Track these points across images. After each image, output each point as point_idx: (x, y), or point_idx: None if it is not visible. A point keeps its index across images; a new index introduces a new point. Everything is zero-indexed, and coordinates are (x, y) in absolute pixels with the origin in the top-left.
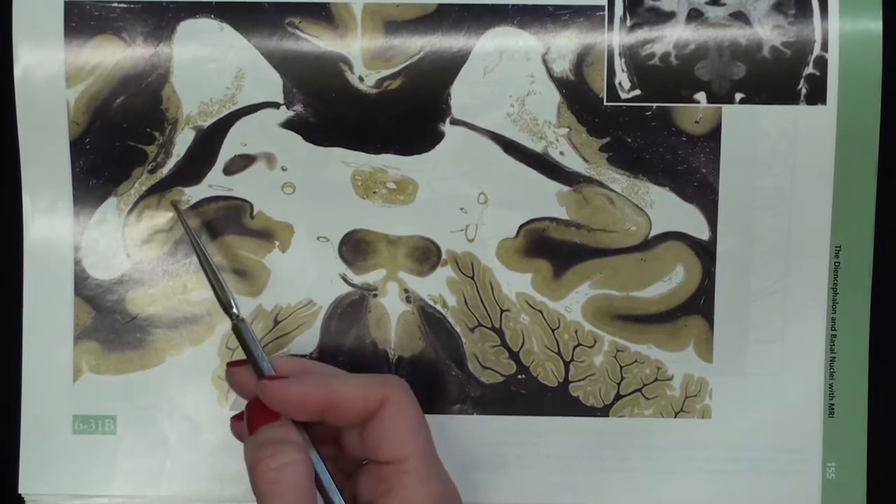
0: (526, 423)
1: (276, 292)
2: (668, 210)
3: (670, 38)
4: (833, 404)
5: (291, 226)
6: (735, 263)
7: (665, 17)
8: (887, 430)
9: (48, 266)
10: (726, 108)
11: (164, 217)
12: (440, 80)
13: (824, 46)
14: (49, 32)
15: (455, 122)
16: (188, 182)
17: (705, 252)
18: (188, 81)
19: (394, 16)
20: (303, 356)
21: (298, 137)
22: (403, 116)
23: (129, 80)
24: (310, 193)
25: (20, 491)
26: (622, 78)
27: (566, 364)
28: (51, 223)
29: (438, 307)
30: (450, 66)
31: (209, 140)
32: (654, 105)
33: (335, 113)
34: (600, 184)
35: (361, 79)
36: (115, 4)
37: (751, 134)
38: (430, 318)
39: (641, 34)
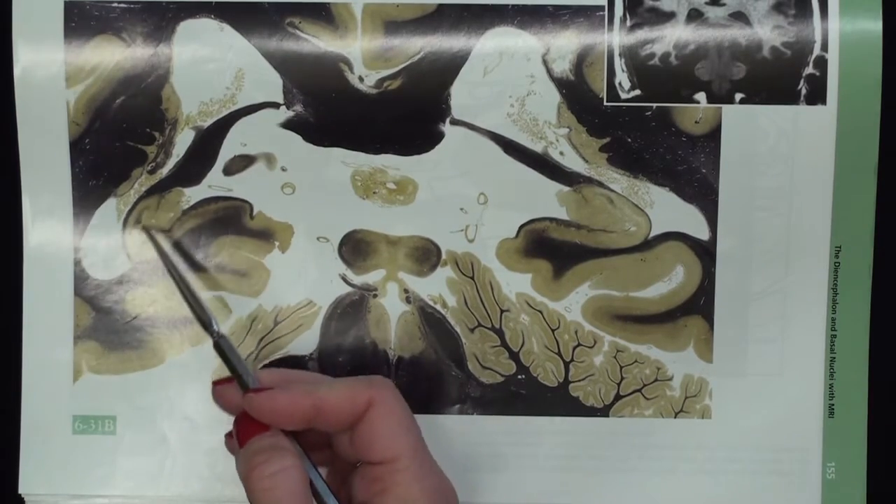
0: (526, 423)
1: (276, 293)
2: (668, 210)
3: (670, 38)
4: (833, 404)
5: (291, 226)
6: (735, 263)
7: (665, 17)
8: (887, 430)
9: (48, 266)
10: (726, 108)
11: (163, 217)
12: (440, 81)
13: (824, 46)
14: (49, 32)
15: (455, 122)
16: (188, 182)
17: (705, 252)
18: (188, 81)
19: (394, 16)
20: (302, 357)
21: (298, 137)
22: (403, 116)
23: (128, 80)
24: (310, 194)
25: (20, 491)
26: (622, 78)
27: (566, 364)
28: (50, 224)
29: (438, 307)
30: (450, 66)
31: (209, 140)
32: (654, 105)
33: (335, 113)
34: (600, 184)
35: (361, 79)
36: (115, 4)
37: (751, 134)
38: (430, 319)
39: (641, 34)
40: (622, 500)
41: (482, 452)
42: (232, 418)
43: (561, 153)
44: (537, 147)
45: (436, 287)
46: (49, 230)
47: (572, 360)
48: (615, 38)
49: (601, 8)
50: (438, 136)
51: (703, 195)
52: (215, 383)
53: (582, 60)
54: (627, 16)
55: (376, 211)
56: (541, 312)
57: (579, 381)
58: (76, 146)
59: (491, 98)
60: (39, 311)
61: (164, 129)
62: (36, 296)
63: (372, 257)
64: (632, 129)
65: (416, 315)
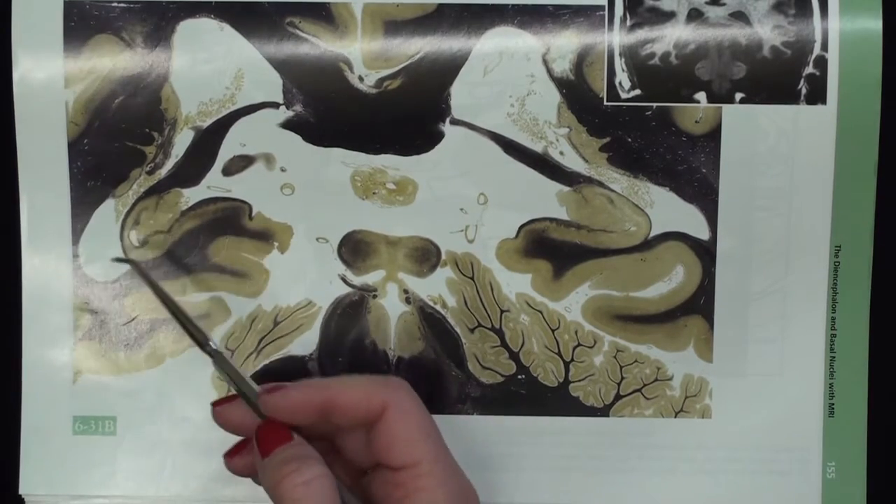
0: (526, 423)
1: (276, 293)
2: (668, 210)
3: (670, 37)
4: (833, 404)
5: (290, 227)
6: (735, 263)
7: (665, 16)
8: (887, 430)
9: (47, 267)
10: (726, 108)
11: (162, 218)
12: (440, 80)
13: (824, 46)
14: (48, 32)
15: (455, 122)
16: (186, 183)
17: (705, 252)
18: (187, 81)
19: (394, 16)
20: (302, 357)
21: (298, 138)
22: (403, 116)
23: (128, 80)
24: (309, 194)
25: (20, 492)
26: (622, 78)
27: (566, 364)
28: (49, 224)
29: (438, 308)
30: (450, 66)
31: (208, 140)
32: (655, 105)
33: (335, 113)
34: (600, 184)
35: (361, 79)
36: (115, 4)
37: (751, 134)
38: (429, 319)
39: (641, 34)
40: (622, 500)
41: (482, 452)
42: (229, 438)
43: (561, 153)
44: (537, 147)
45: (436, 287)
46: (47, 231)
47: (572, 360)
48: (615, 37)
49: (601, 8)
50: (438, 136)
51: (703, 195)
52: (214, 405)
53: (582, 60)
54: (627, 15)
55: (376, 211)
56: (541, 312)
57: (579, 381)
58: (75, 146)
59: (491, 98)
60: (39, 312)
61: (164, 130)
62: (35, 297)
63: (371, 258)
64: (632, 129)
65: (415, 315)
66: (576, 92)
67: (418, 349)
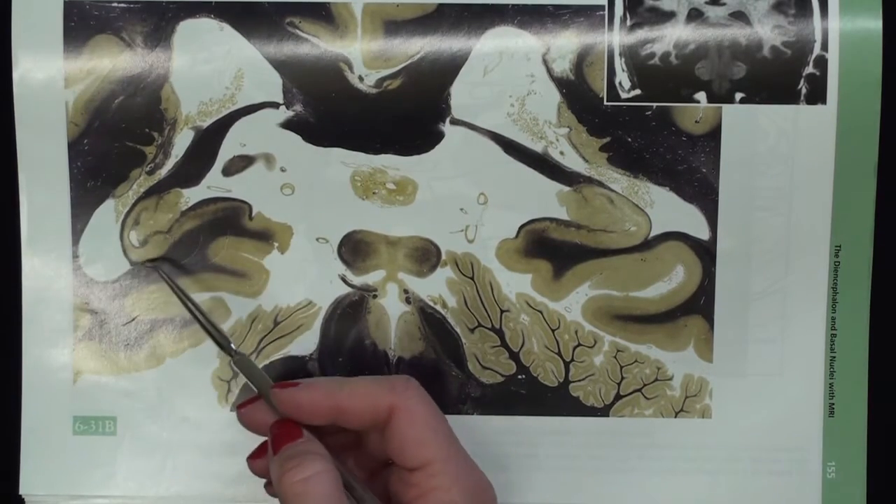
0: (526, 423)
1: (276, 293)
2: (668, 210)
3: (670, 37)
4: (833, 404)
5: (290, 227)
6: (735, 263)
7: (665, 16)
8: (887, 430)
9: (47, 268)
10: (726, 108)
11: (162, 218)
12: (440, 80)
13: (824, 46)
14: (48, 32)
15: (455, 122)
16: (186, 183)
17: (705, 252)
18: (187, 81)
19: (394, 16)
20: (302, 357)
21: (298, 138)
22: (403, 116)
23: (128, 80)
24: (309, 194)
25: (21, 492)
26: (622, 78)
27: (566, 364)
28: (49, 225)
29: (438, 308)
30: (450, 66)
31: (208, 140)
32: (655, 105)
33: (335, 113)
34: (600, 184)
35: (361, 79)
36: (115, 4)
37: (751, 134)
38: (429, 319)
39: (641, 34)
40: (622, 500)
41: (482, 452)
42: (229, 416)
43: (561, 153)
44: (537, 147)
45: (436, 287)
46: (47, 231)
47: (572, 360)
48: (615, 37)
49: (601, 7)
50: (438, 136)
51: (703, 195)
52: (239, 407)
53: (582, 60)
54: (627, 15)
55: (376, 211)
56: (541, 312)
57: (579, 381)
58: (74, 147)
59: (491, 98)
60: (39, 312)
61: (164, 130)
62: (35, 297)
63: (371, 258)
64: (632, 129)
65: (415, 315)
66: (576, 92)
67: (418, 349)
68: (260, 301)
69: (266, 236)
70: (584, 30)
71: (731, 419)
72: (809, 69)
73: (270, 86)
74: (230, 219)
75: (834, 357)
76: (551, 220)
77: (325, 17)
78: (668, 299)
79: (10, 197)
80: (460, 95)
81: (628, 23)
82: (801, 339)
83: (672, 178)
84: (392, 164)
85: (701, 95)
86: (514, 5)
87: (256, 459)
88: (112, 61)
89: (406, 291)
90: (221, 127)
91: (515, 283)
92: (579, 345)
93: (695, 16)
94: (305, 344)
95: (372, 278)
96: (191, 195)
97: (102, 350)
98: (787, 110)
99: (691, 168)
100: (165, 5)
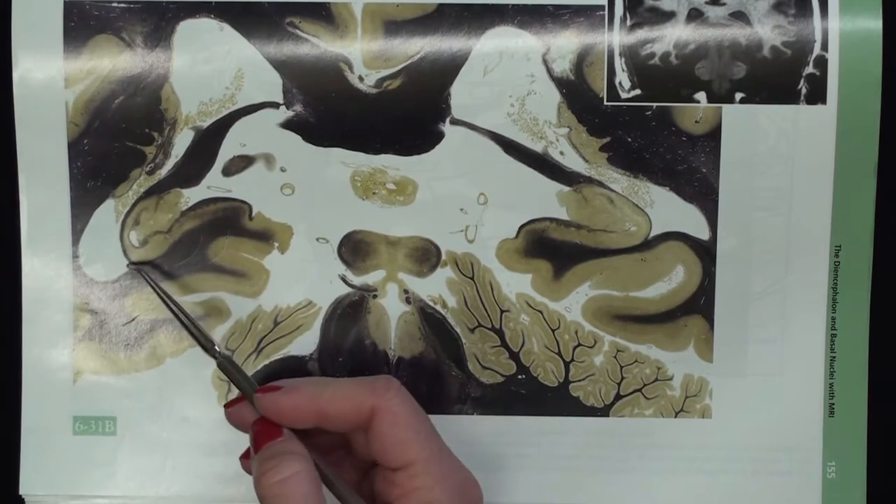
0: (526, 423)
1: (276, 293)
2: (668, 210)
3: (670, 37)
4: (833, 404)
5: (290, 227)
6: (735, 263)
7: (665, 16)
8: (887, 430)
9: (47, 268)
10: (726, 108)
11: (162, 218)
12: (440, 80)
13: (824, 46)
14: (48, 32)
15: (455, 122)
16: (186, 183)
17: (705, 252)
18: (187, 81)
19: (394, 16)
20: (302, 357)
21: (298, 138)
22: (403, 116)
23: (128, 80)
24: (309, 194)
25: (21, 492)
26: (622, 78)
27: (566, 364)
28: (49, 225)
29: (438, 308)
30: (450, 66)
31: (208, 140)
32: (655, 105)
33: (335, 113)
34: (600, 184)
35: (361, 79)
36: (115, 4)
37: (751, 134)
38: (429, 319)
39: (641, 34)
40: (622, 500)
41: (482, 452)
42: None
43: (561, 153)
44: (537, 147)
45: (436, 287)
46: (47, 231)
47: (572, 360)
48: (615, 37)
49: (601, 7)
50: (438, 136)
51: (703, 195)
52: (226, 406)
53: (582, 60)
54: (627, 15)
55: (376, 211)
56: (541, 312)
57: (579, 381)
58: (74, 147)
59: (491, 98)
60: (39, 312)
61: (164, 130)
62: (35, 297)
63: (372, 258)
64: (632, 129)
65: (415, 315)
66: (576, 92)
67: (418, 349)
68: (260, 301)
69: (266, 236)
70: (584, 30)
71: (731, 419)
72: (809, 69)
73: (270, 86)
74: (230, 219)
75: (834, 357)
76: (551, 220)
77: (325, 17)
78: (668, 299)
79: (10, 197)
80: (460, 95)
81: (628, 23)
82: (801, 339)
83: (672, 178)
84: (392, 164)
85: (701, 95)
86: (514, 5)
87: (248, 458)
88: (112, 61)
89: (406, 291)
90: (221, 127)
91: (515, 283)
92: (579, 345)
93: (695, 16)
94: (305, 344)
95: (372, 278)
96: (191, 195)
97: (102, 350)
98: (787, 110)
99: (691, 168)
100: (165, 5)
